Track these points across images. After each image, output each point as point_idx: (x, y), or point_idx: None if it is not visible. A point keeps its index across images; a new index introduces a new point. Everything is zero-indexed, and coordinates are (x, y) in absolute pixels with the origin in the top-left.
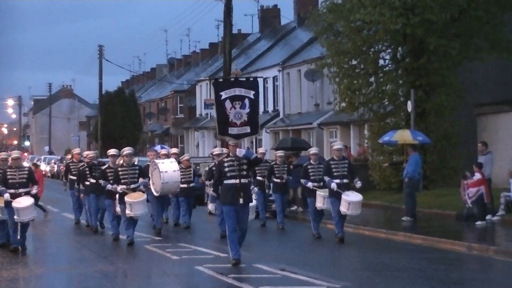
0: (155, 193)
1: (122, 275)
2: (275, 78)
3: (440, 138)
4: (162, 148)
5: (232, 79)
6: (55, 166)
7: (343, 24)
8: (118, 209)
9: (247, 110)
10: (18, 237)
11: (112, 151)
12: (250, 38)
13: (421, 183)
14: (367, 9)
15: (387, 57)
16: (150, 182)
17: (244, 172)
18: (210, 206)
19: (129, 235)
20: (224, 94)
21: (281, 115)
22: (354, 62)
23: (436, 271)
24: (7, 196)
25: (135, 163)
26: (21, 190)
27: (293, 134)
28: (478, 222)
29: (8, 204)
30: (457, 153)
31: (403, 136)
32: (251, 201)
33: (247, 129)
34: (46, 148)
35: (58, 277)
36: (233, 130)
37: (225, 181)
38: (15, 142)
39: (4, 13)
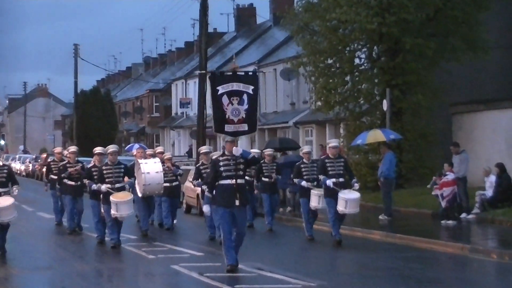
0: (139, 194)
1: (98, 274)
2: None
3: (416, 137)
4: (140, 147)
5: (230, 73)
6: (30, 165)
7: (319, 23)
8: (102, 210)
9: (245, 106)
10: None
11: (98, 149)
12: (226, 37)
13: (395, 181)
14: (343, 9)
15: (363, 56)
16: (136, 181)
17: (241, 172)
18: (205, 208)
19: (113, 238)
20: (221, 89)
21: (257, 114)
22: (330, 61)
23: (412, 270)
24: None
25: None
26: (0, 190)
27: (269, 133)
28: (450, 222)
29: None
30: (433, 152)
31: (376, 136)
32: (248, 203)
33: (245, 127)
34: (21, 147)
35: (34, 277)
36: (229, 128)
37: (221, 182)
38: None
39: None
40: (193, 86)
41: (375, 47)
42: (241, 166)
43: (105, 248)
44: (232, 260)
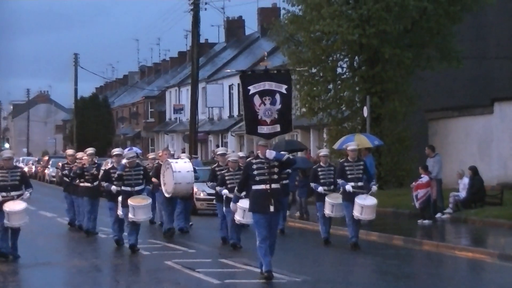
0: (166, 194)
1: (95, 270)
2: (239, 85)
3: (393, 141)
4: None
5: (262, 72)
6: (33, 167)
7: (303, 35)
8: (120, 212)
9: (278, 106)
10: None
11: (116, 151)
12: (217, 47)
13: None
14: (326, 21)
15: (345, 65)
16: (162, 182)
17: (275, 176)
18: (232, 206)
19: (130, 239)
20: (252, 89)
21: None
22: (313, 70)
23: (390, 266)
24: None
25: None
26: (13, 193)
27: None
28: (426, 221)
29: None
30: (410, 156)
31: (361, 141)
32: (283, 209)
33: (277, 128)
34: (25, 150)
35: (33, 272)
36: (262, 129)
37: (254, 187)
38: None
39: None
40: (185, 93)
41: (356, 57)
42: (275, 170)
43: (106, 245)
44: (268, 266)
